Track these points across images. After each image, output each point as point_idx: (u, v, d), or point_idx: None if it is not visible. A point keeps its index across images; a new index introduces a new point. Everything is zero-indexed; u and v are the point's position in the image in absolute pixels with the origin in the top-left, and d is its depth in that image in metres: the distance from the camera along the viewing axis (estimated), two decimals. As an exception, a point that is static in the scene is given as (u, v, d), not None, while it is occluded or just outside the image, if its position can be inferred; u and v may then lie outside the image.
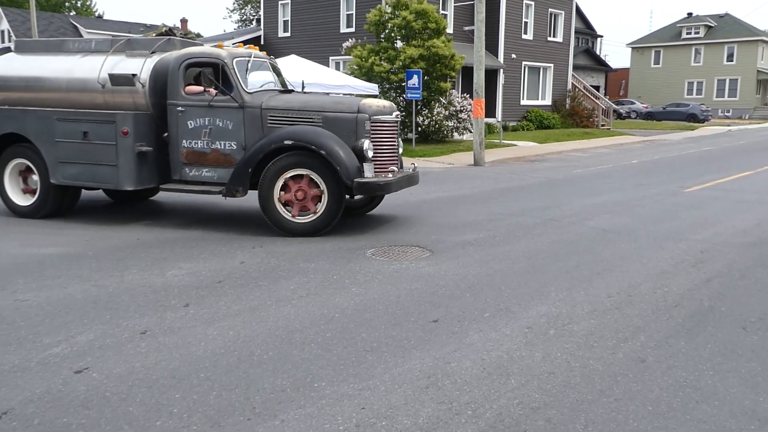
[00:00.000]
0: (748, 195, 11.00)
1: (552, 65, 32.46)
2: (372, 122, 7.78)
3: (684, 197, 11.01)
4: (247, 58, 8.24)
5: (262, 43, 31.24)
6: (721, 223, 8.55)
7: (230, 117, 7.89)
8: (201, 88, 8.10)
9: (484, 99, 17.26)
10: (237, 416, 3.29)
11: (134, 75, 7.99)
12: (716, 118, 48.58)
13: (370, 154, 7.64)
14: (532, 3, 30.71)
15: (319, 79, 16.28)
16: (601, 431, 3.19)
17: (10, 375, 3.73)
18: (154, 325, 4.57)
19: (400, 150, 8.55)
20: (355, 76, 19.93)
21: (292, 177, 7.61)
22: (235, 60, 8.02)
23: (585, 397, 3.53)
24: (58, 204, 8.57)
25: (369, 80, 19.47)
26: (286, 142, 7.54)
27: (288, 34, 30.15)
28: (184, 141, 8.02)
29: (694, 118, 43.98)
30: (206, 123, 7.94)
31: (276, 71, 8.93)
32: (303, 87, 9.82)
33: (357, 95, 15.34)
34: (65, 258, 6.46)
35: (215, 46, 8.50)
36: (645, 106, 49.61)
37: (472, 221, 8.64)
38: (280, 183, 7.61)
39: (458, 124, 22.05)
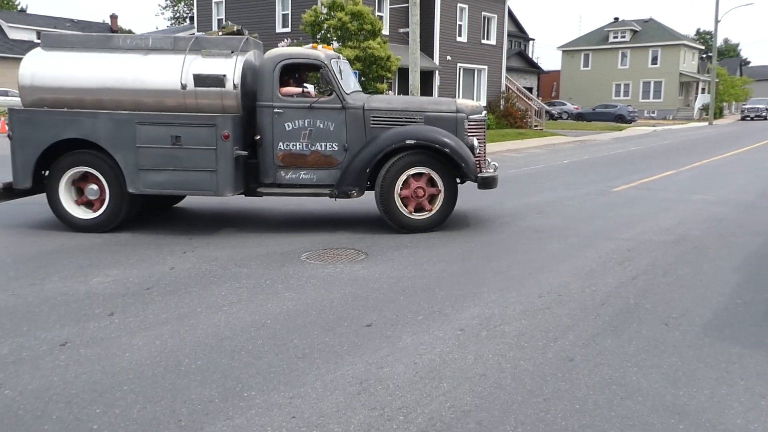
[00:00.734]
0: (672, 194, 11.44)
1: (486, 67, 33.06)
2: (468, 121, 8.16)
3: (612, 196, 11.36)
4: (337, 59, 8.27)
5: (195, 41, 30.62)
6: (646, 221, 8.85)
7: (332, 118, 7.91)
8: (298, 90, 7.99)
9: (419, 100, 17.36)
10: (162, 430, 3.17)
11: (224, 76, 7.58)
12: (642, 118, 50.52)
13: (477, 151, 8.10)
14: (466, 6, 31.19)
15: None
16: (530, 432, 3.23)
17: None
18: (76, 336, 4.38)
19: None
20: (290, 77, 19.74)
21: (412, 175, 7.89)
22: (331, 61, 8.00)
23: (515, 398, 3.57)
24: (131, 215, 7.96)
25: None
26: (408, 141, 7.78)
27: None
28: (280, 143, 7.86)
29: (621, 119, 45.58)
30: (306, 125, 7.89)
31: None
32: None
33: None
34: (-20, 267, 6.12)
35: (310, 47, 8.48)
36: (575, 107, 51.09)
37: (407, 223, 8.66)
38: (401, 181, 7.86)
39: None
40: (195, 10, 31.74)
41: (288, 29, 26.27)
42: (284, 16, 27.04)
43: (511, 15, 39.60)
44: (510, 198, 10.86)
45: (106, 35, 8.23)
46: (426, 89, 26.31)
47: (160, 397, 3.51)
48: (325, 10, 20.93)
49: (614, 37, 58.61)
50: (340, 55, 8.84)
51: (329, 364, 3.98)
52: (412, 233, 7.85)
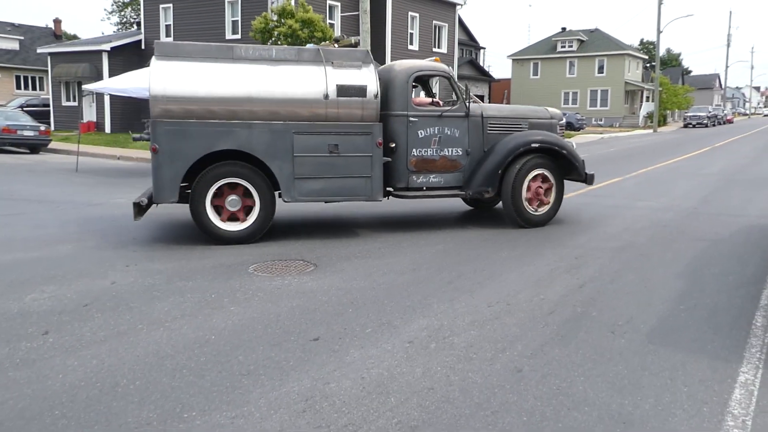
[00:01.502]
0: (618, 200, 11.68)
1: (438, 75, 33.26)
2: (559, 126, 9.53)
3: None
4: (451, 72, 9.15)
5: (142, 48, 29.95)
6: (593, 228, 8.99)
7: (457, 125, 8.77)
8: (429, 100, 9.00)
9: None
10: (94, 458, 3.02)
11: (367, 86, 8.02)
12: (590, 126, 51.64)
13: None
14: (417, 15, 31.42)
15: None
16: (477, 446, 3.18)
17: None
18: (5, 357, 4.15)
19: None
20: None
21: (534, 177, 8.98)
22: (452, 73, 8.67)
23: (463, 412, 3.53)
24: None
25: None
26: (533, 144, 8.86)
27: (170, 39, 29.08)
28: (414, 150, 8.52)
29: (570, 127, 46.40)
30: (436, 132, 8.64)
31: None
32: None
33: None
34: None
35: (433, 60, 9.41)
36: (526, 115, 51.75)
37: (358, 233, 8.60)
38: (528, 180, 8.90)
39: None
40: (142, 16, 31.08)
41: (238, 36, 25.97)
42: (234, 23, 26.72)
43: (462, 24, 40.05)
44: (460, 206, 10.90)
45: (227, 45, 8.18)
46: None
47: (94, 422, 3.34)
48: (275, 17, 20.78)
49: (562, 47, 59.90)
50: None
51: (274, 381, 3.87)
52: (534, 227, 8.92)
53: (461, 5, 35.17)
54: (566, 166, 9.29)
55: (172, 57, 7.72)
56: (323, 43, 9.88)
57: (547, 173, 9.04)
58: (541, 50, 61.21)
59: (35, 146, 21.93)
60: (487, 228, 8.98)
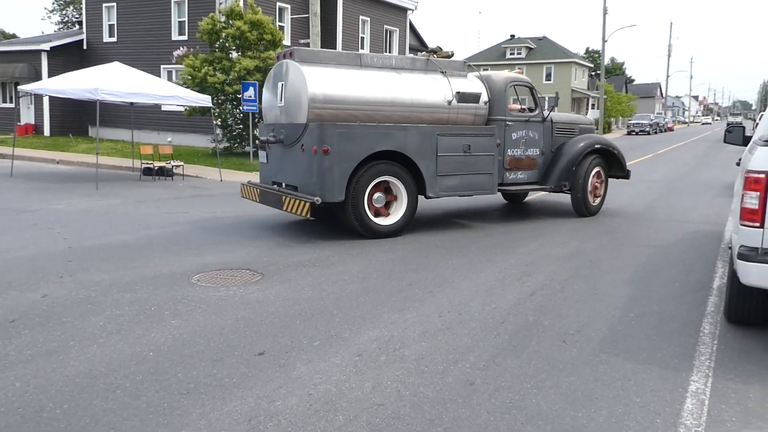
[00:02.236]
0: (565, 206, 11.77)
1: (389, 80, 33.23)
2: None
3: (509, 210, 11.53)
4: None
5: (84, 48, 28.99)
6: (543, 235, 9.02)
7: (537, 129, 10.28)
8: (518, 106, 10.30)
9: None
10: (13, 492, 2.76)
11: (480, 93, 9.32)
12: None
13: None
14: (368, 19, 31.34)
15: (146, 89, 15.18)
16: (429, 467, 3.05)
17: None
18: None
19: None
20: (187, 87, 18.95)
21: (595, 173, 10.70)
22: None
23: (414, 429, 3.39)
24: None
25: (202, 91, 18.54)
26: (596, 146, 10.67)
27: (114, 40, 28.24)
28: (509, 150, 9.89)
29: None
30: (523, 134, 10.05)
31: None
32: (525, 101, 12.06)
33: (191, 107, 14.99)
34: None
35: (517, 72, 11.20)
36: (476, 120, 52.33)
37: (306, 240, 8.40)
38: (590, 177, 10.55)
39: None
40: (84, 15, 30.08)
41: (185, 37, 25.36)
42: (180, 24, 26.08)
43: (413, 29, 40.13)
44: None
45: (355, 53, 8.99)
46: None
47: (15, 451, 3.07)
48: (223, 18, 20.35)
49: (511, 54, 60.85)
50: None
51: (216, 400, 3.66)
52: (591, 216, 10.60)
53: (412, 10, 35.27)
54: (614, 165, 11.14)
55: (314, 63, 8.33)
56: (421, 53, 10.71)
57: (601, 170, 10.80)
58: (491, 57, 62.02)
59: (-32, 149, 20.89)
60: (437, 234, 8.91)
